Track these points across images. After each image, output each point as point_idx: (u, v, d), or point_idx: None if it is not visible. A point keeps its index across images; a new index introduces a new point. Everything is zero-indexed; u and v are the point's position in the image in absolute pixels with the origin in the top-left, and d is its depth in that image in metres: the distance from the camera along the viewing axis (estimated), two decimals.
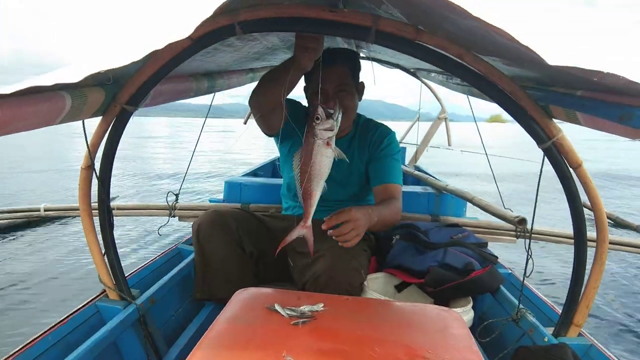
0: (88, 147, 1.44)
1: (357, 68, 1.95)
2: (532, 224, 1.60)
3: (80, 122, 1.32)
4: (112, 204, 2.67)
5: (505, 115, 1.32)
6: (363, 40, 1.23)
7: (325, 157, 1.37)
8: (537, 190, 1.45)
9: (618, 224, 6.26)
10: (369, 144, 2.03)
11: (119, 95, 1.34)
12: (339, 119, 1.37)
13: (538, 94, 1.22)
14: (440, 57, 1.22)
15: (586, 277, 1.47)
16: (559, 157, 1.27)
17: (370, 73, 4.16)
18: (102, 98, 1.27)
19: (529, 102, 1.22)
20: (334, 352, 1.10)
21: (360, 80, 1.99)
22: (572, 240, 1.46)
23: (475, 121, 2.96)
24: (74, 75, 0.84)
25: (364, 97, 2.04)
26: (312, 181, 1.38)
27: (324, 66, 1.50)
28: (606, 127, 0.96)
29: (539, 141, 1.25)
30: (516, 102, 1.22)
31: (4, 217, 2.98)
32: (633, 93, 0.83)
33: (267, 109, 1.73)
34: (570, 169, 1.30)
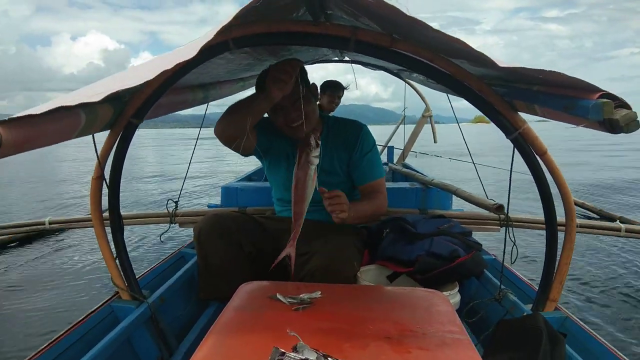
0: (98, 158, 1.57)
1: (304, 73, 1.99)
2: (508, 210, 1.74)
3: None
4: None
5: None
6: (344, 49, 1.37)
7: (314, 181, 1.52)
8: (510, 179, 1.58)
9: (584, 209, 6.42)
10: (345, 144, 2.09)
11: (126, 109, 1.47)
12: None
13: (503, 90, 1.36)
14: (414, 61, 1.36)
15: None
16: (526, 146, 1.42)
17: (354, 76, 4.30)
18: (111, 113, 1.40)
19: (495, 98, 1.36)
20: (332, 330, 1.22)
21: (311, 83, 2.04)
22: (542, 225, 1.60)
23: (457, 122, 3.10)
24: (94, 95, 0.97)
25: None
26: (304, 203, 1.53)
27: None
28: (557, 116, 1.11)
29: (507, 132, 1.40)
30: (484, 98, 1.37)
31: (8, 232, 3.06)
32: (573, 86, 0.98)
33: (233, 138, 1.82)
34: (537, 157, 1.44)
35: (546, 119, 1.24)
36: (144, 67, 1.07)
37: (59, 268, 4.45)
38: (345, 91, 4.36)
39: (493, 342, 1.48)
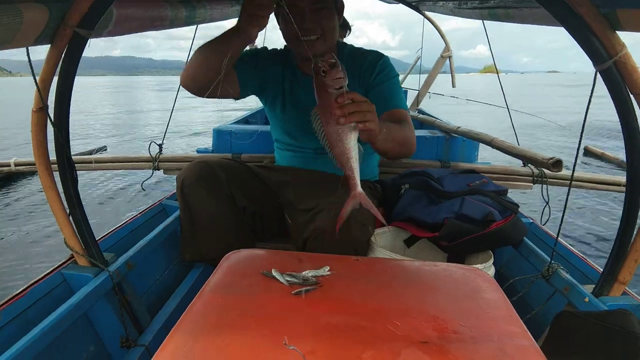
0: (37, 84, 1.17)
1: None
2: (574, 167, 1.37)
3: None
4: (90, 156, 2.42)
5: (500, 66, 1.07)
6: None
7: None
8: (583, 127, 1.21)
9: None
10: (359, 74, 1.72)
11: (68, 15, 1.07)
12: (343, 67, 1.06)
13: None
14: None
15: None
16: (619, 80, 1.03)
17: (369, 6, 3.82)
18: (45, 18, 1.00)
19: (588, 8, 0.95)
20: (347, 328, 0.89)
21: None
22: (612, 187, 1.24)
23: (495, 66, 2.61)
24: None
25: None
26: (345, 141, 1.08)
27: None
28: None
29: (597, 60, 1.01)
30: (571, 7, 0.96)
31: None
32: None
33: (205, 84, 1.46)
34: (631, 96, 1.06)
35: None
36: None
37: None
38: (350, 37, 3.89)
39: (552, 339, 1.15)
